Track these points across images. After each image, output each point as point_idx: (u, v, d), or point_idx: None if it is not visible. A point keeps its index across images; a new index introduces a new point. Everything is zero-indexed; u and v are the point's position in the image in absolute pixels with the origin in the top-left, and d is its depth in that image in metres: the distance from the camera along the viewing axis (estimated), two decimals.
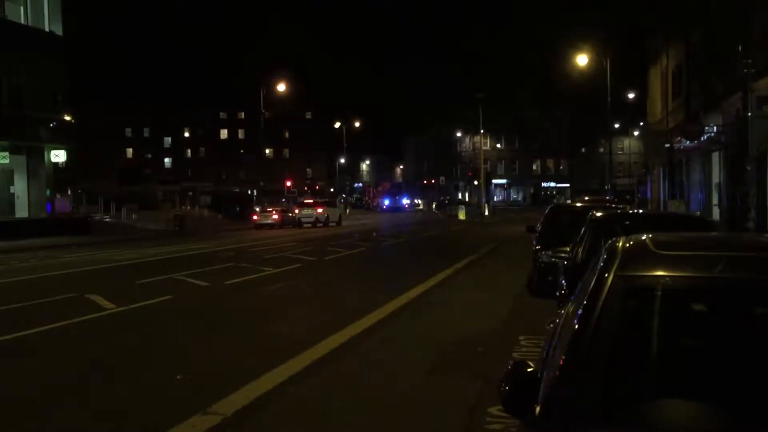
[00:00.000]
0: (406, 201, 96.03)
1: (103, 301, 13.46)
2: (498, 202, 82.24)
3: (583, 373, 2.50)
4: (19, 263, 22.57)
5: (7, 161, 34.78)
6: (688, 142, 26.23)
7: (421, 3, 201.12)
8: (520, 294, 13.86)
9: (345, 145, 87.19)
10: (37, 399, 7.35)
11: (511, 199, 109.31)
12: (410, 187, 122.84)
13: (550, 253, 12.54)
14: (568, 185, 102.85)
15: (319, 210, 49.45)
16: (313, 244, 28.81)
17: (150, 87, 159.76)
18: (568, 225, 13.21)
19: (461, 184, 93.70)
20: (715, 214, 25.00)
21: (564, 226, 13.71)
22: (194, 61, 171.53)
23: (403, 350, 9.09)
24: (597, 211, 10.98)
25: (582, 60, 40.72)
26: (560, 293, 8.00)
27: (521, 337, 9.36)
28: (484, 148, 71.16)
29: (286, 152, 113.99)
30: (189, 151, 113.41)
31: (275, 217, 47.03)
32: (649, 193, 43.85)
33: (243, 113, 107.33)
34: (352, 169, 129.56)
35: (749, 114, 16.03)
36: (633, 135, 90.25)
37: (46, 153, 36.78)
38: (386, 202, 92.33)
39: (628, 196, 52.32)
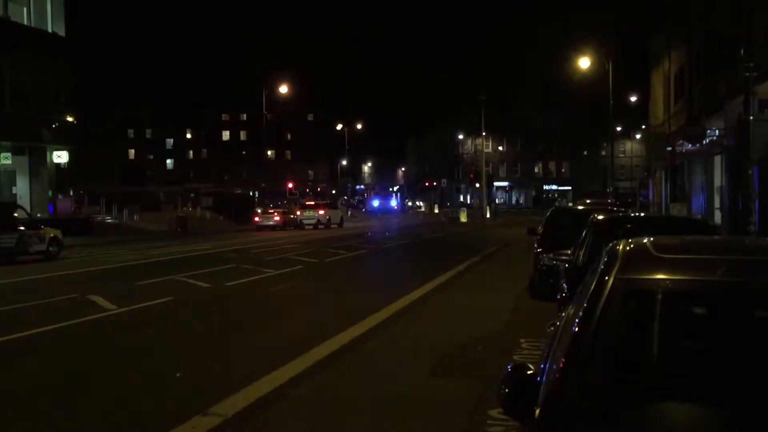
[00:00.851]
0: (394, 203, 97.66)
1: (104, 302, 13.47)
2: (500, 204, 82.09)
3: (583, 375, 2.50)
4: (21, 264, 22.58)
5: (9, 162, 34.86)
6: (690, 145, 26.21)
7: (422, 4, 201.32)
8: (522, 296, 13.86)
9: (347, 147, 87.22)
10: (37, 399, 7.36)
11: (513, 201, 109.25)
12: (411, 188, 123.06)
13: (551, 255, 12.55)
14: (569, 188, 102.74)
15: (321, 212, 49.50)
16: (314, 246, 28.82)
17: (152, 88, 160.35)
18: (569, 228, 13.24)
19: (463, 186, 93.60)
20: (717, 217, 24.97)
21: (565, 229, 13.74)
22: (196, 62, 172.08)
23: (404, 352, 9.09)
24: (598, 214, 10.98)
25: (584, 62, 40.71)
26: (561, 296, 8.01)
27: (522, 340, 9.36)
28: (485, 150, 71.09)
29: (288, 154, 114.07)
30: (191, 152, 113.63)
31: (277, 218, 47.06)
32: (651, 196, 43.82)
33: (245, 115, 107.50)
34: (354, 171, 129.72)
35: (751, 117, 16.01)
36: (635, 138, 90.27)
37: (48, 154, 36.85)
38: (375, 203, 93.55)
39: (630, 199, 52.25)
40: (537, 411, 2.55)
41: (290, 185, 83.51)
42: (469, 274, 18.22)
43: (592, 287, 2.89)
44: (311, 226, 47.89)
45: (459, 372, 8.08)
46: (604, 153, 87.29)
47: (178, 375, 8.07)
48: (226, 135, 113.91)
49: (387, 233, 39.75)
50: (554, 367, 2.74)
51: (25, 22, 35.78)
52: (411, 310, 12.32)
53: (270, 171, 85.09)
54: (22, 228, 23.77)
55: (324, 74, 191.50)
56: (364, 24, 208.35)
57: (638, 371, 2.62)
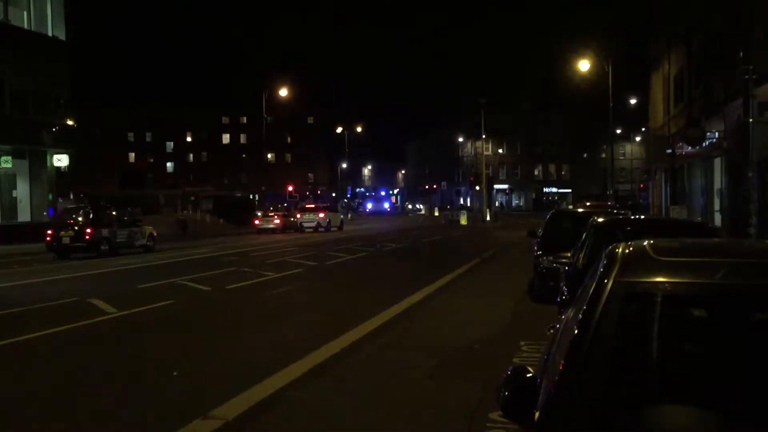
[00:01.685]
0: (386, 205, 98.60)
1: (104, 305, 13.47)
2: (499, 207, 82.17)
3: (583, 378, 2.50)
4: (22, 267, 22.59)
5: (9, 165, 34.84)
6: (689, 147, 26.20)
7: (422, 5, 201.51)
8: (522, 299, 13.86)
9: (347, 150, 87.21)
10: (36, 403, 7.36)
11: (513, 204, 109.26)
12: (411, 191, 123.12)
13: (551, 258, 12.54)
14: (569, 190, 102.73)
15: (321, 215, 49.49)
16: (314, 249, 28.82)
17: (152, 91, 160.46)
18: (569, 230, 13.21)
19: (463, 188, 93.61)
20: (717, 219, 24.96)
21: (565, 232, 13.71)
22: (196, 64, 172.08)
23: (403, 355, 9.09)
24: (598, 217, 10.98)
25: (584, 65, 40.73)
26: (561, 298, 8.01)
27: (522, 342, 9.36)
28: (485, 152, 71.12)
29: (288, 157, 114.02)
30: (191, 155, 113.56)
31: (277, 221, 47.07)
32: (651, 198, 43.81)
33: (245, 118, 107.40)
34: (354, 174, 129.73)
35: (750, 120, 16.04)
36: (635, 140, 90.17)
37: (48, 157, 36.85)
38: (369, 205, 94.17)
39: (630, 202, 52.22)
40: (537, 414, 2.55)
41: (290, 188, 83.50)
42: (469, 277, 18.20)
43: (592, 290, 2.89)
44: (311, 229, 47.88)
45: (459, 375, 8.08)
46: (603, 155, 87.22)
47: (175, 374, 8.10)
48: (226, 138, 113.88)
49: (388, 236, 39.74)
50: (554, 369, 2.74)
51: (25, 26, 35.82)
52: (411, 313, 12.31)
53: (270, 174, 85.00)
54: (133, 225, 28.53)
55: (324, 77, 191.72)
56: (364, 26, 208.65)
57: (638, 374, 2.62)
